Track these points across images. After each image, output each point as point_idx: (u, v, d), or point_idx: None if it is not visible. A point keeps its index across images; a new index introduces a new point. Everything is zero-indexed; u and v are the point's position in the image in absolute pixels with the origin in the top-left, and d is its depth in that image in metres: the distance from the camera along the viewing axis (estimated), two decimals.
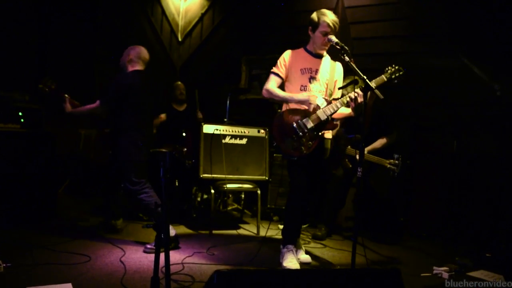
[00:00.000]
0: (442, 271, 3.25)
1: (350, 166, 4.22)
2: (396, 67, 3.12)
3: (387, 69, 3.13)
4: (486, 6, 4.50)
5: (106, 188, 3.98)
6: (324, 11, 3.25)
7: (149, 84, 3.72)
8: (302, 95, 3.25)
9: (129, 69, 3.71)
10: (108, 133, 4.16)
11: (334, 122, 3.34)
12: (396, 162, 3.87)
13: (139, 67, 3.72)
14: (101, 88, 3.61)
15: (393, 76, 3.10)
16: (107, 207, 3.95)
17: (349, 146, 4.21)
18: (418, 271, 3.31)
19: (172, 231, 3.54)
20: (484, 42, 4.54)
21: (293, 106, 3.31)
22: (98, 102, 3.56)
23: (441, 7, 4.84)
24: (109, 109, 3.59)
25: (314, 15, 3.27)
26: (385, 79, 3.09)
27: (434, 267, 3.32)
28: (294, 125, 3.21)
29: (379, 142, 4.18)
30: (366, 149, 4.07)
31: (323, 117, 3.20)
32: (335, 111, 3.21)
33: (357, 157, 4.08)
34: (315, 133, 3.21)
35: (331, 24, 3.18)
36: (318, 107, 3.20)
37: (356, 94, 3.10)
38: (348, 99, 3.13)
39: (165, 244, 1.84)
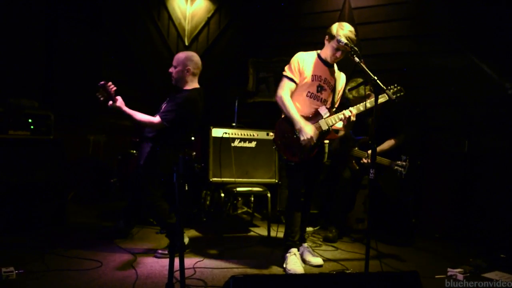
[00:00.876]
0: (456, 272, 3.21)
1: (357, 167, 4.19)
2: (398, 87, 3.24)
3: (389, 87, 3.20)
4: (495, 3, 4.46)
5: (135, 194, 3.85)
6: (343, 24, 3.23)
7: (203, 102, 3.66)
8: (305, 131, 3.17)
9: (190, 85, 3.59)
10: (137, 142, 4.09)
11: (335, 133, 3.42)
12: (404, 163, 3.86)
13: (196, 81, 3.64)
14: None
15: (393, 96, 3.13)
16: (128, 213, 3.86)
17: (356, 148, 4.17)
18: (432, 273, 3.27)
19: (185, 239, 3.52)
20: (493, 39, 4.49)
21: (299, 112, 3.30)
22: (158, 118, 3.41)
23: (448, 5, 4.80)
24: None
25: (333, 26, 3.24)
26: (387, 97, 3.09)
27: (449, 269, 3.28)
28: (295, 131, 3.23)
29: (387, 144, 4.14)
30: None
31: (324, 127, 3.26)
32: (337, 122, 3.28)
33: (364, 160, 4.06)
34: (315, 141, 3.23)
35: (347, 37, 3.15)
36: (310, 141, 3.18)
37: (350, 113, 3.19)
38: (342, 116, 3.21)
39: (179, 249, 1.83)
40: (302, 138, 3.18)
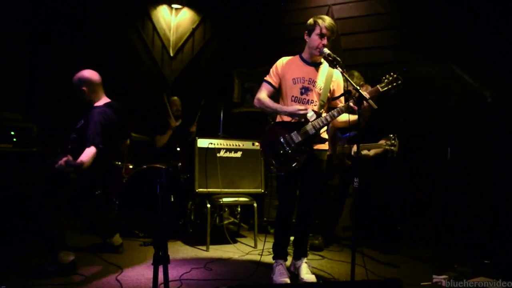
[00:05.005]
0: (442, 279, 3.23)
1: (349, 163, 4.18)
2: (394, 75, 2.94)
3: (384, 78, 2.97)
4: (475, 14, 4.56)
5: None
6: (321, 15, 3.17)
7: (121, 112, 3.65)
8: (291, 107, 3.12)
9: (99, 101, 3.56)
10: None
11: (324, 137, 3.21)
12: (393, 141, 3.78)
13: (102, 93, 3.60)
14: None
15: (389, 86, 2.94)
16: (95, 227, 3.82)
17: (346, 145, 4.17)
18: (418, 280, 3.29)
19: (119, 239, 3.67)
20: (474, 49, 4.59)
21: (285, 118, 3.22)
22: (92, 147, 3.24)
23: (430, 16, 4.90)
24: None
25: (311, 19, 3.16)
26: (380, 90, 2.95)
27: (434, 276, 3.30)
28: (281, 139, 3.11)
29: (373, 152, 4.15)
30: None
31: (311, 131, 3.07)
32: (325, 124, 3.10)
33: (355, 149, 4.02)
34: (303, 147, 3.08)
35: (327, 26, 3.06)
36: (307, 119, 3.08)
37: (351, 104, 2.95)
38: (343, 108, 3.02)
39: (164, 261, 1.82)
40: (294, 111, 3.04)
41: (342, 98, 3.29)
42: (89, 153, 3.22)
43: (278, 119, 3.32)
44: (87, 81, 3.50)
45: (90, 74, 3.54)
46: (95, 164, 3.31)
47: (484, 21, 4.53)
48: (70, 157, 3.00)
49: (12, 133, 3.99)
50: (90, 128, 3.31)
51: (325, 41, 3.09)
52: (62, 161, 3.04)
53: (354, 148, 4.01)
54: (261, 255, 3.67)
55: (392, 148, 3.80)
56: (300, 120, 3.11)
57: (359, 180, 2.77)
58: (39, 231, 3.28)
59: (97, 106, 3.52)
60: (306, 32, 3.20)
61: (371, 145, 3.96)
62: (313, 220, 3.62)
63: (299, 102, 3.19)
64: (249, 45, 6.13)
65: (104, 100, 3.60)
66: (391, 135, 3.81)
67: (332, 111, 3.08)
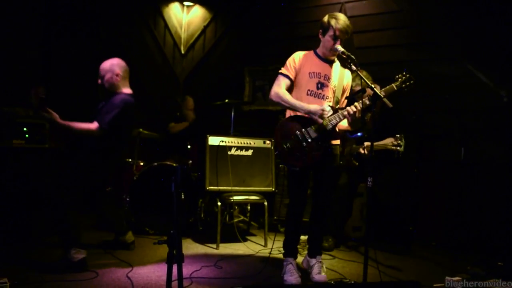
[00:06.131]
0: (455, 281, 3.19)
1: (356, 164, 4.14)
2: (407, 75, 2.98)
3: (397, 77, 3.00)
4: (489, 12, 4.49)
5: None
6: (336, 14, 3.10)
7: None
8: (314, 106, 3.07)
9: (123, 90, 3.61)
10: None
11: (338, 132, 3.20)
12: (399, 142, 3.74)
13: (128, 85, 3.68)
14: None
15: (403, 85, 2.97)
16: (111, 223, 3.83)
17: (354, 145, 4.14)
18: (431, 281, 3.25)
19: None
20: (489, 48, 4.52)
21: (298, 113, 3.18)
22: (96, 123, 3.35)
23: (444, 14, 4.84)
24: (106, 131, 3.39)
25: (325, 18, 3.11)
26: (395, 88, 2.96)
27: (447, 277, 3.25)
28: (298, 134, 3.08)
29: (388, 141, 4.07)
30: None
31: (328, 126, 3.05)
32: (341, 120, 3.08)
33: (361, 150, 4.01)
34: (320, 143, 3.07)
35: (341, 28, 3.03)
36: (324, 112, 3.04)
37: (354, 109, 2.99)
38: (346, 112, 3.02)
39: (178, 259, 1.81)
40: (316, 117, 3.05)
41: (345, 100, 3.32)
42: (86, 125, 3.35)
43: (288, 114, 3.28)
44: (123, 66, 3.63)
45: (122, 61, 3.67)
46: (109, 159, 3.40)
47: (499, 20, 4.46)
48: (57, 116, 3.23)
49: (25, 129, 4.01)
50: (108, 108, 3.40)
51: (338, 43, 3.08)
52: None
53: (361, 150, 4.03)
54: (270, 253, 3.65)
55: (398, 148, 3.77)
56: (319, 119, 3.08)
57: (366, 180, 2.75)
58: (57, 226, 3.33)
59: (122, 93, 3.59)
60: (321, 30, 3.17)
61: (376, 145, 3.91)
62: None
63: (314, 96, 3.18)
64: (261, 43, 6.11)
65: (128, 90, 3.67)
66: (398, 135, 3.77)
67: (348, 108, 3.05)
